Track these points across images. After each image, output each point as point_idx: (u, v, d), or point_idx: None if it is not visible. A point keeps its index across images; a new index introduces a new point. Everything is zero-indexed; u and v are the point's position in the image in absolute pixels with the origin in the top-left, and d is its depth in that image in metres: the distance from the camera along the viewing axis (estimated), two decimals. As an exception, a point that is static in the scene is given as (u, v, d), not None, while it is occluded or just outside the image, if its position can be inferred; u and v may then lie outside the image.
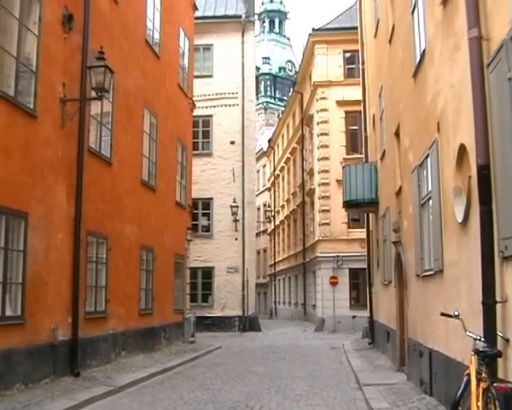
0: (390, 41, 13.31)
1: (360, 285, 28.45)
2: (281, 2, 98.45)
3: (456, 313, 5.82)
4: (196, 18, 24.03)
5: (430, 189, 8.97)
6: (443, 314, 6.22)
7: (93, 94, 12.01)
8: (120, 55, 14.60)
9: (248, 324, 27.59)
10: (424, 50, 9.23)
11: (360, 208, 19.21)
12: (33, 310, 10.09)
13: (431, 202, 8.97)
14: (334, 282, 28.74)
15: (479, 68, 5.91)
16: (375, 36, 16.56)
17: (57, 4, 11.20)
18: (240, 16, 28.75)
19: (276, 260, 47.52)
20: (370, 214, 19.27)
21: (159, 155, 17.73)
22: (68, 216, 11.60)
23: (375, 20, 16.51)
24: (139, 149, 16.19)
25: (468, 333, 5.52)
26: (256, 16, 32.22)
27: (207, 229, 28.39)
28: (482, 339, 5.38)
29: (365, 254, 20.66)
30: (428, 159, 9.01)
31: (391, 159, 13.85)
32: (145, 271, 16.59)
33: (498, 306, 5.47)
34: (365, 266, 20.56)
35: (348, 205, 18.39)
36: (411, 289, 11.20)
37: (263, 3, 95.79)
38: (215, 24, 28.57)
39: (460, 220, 6.94)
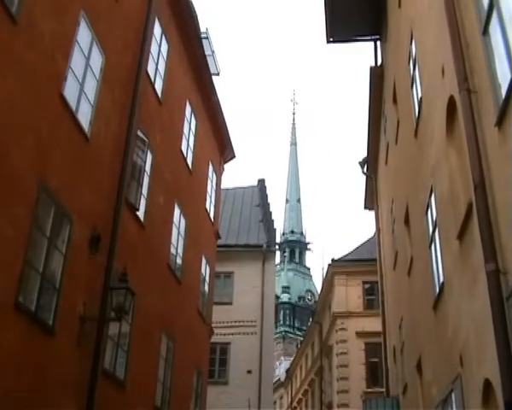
0: (409, 273, 13.52)
1: None
2: (301, 234, 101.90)
3: None
4: (219, 246, 24.64)
5: (456, 427, 8.50)
6: None
7: (112, 314, 12.05)
8: (143, 278, 14.87)
9: None
10: (443, 283, 9.31)
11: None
12: None
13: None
14: None
15: (498, 302, 5.90)
16: (394, 268, 16.86)
17: (86, 225, 11.69)
18: (261, 246, 29.49)
19: None
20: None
21: (174, 380, 17.23)
22: (74, 441, 11.02)
23: (393, 253, 16.93)
24: (154, 373, 15.79)
25: None
26: (277, 246, 33.15)
27: None
28: None
29: None
30: (452, 394, 8.65)
31: (413, 392, 13.33)
32: None
33: None
34: None
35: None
36: None
37: (284, 234, 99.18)
38: (237, 252, 29.33)
39: None
